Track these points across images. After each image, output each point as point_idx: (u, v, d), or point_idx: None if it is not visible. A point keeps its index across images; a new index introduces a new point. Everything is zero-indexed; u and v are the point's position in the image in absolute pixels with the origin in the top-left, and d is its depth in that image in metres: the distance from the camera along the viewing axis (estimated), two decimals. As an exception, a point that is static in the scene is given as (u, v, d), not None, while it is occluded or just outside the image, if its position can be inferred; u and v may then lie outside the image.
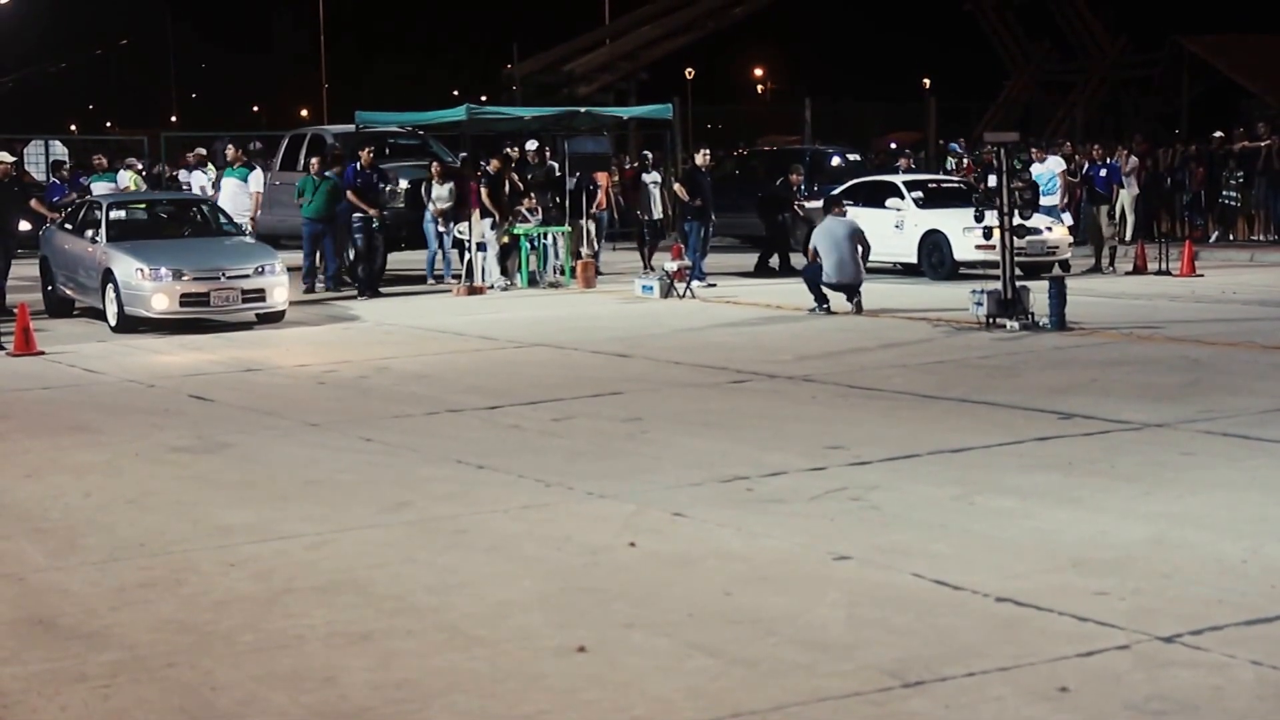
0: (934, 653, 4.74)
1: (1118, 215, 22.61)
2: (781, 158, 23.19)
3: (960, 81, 46.43)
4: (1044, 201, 19.41)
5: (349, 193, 17.52)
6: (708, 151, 19.69)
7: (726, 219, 24.36)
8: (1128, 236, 22.54)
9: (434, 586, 5.65)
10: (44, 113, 51.21)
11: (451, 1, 64.13)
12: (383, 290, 17.67)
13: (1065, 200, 20.12)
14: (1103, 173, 20.28)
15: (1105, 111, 38.42)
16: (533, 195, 18.61)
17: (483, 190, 17.89)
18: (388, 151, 18.91)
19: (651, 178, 19.88)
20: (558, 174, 19.62)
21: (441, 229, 18.90)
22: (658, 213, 19.64)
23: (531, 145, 19.64)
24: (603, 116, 20.94)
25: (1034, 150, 20.97)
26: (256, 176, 18.89)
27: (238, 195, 18.01)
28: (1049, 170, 20.07)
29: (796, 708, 4.33)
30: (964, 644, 4.82)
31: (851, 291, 14.51)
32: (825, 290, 14.59)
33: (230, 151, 19.51)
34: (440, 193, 18.64)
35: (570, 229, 19.08)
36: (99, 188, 19.22)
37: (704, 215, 18.45)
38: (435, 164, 19.06)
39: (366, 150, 17.89)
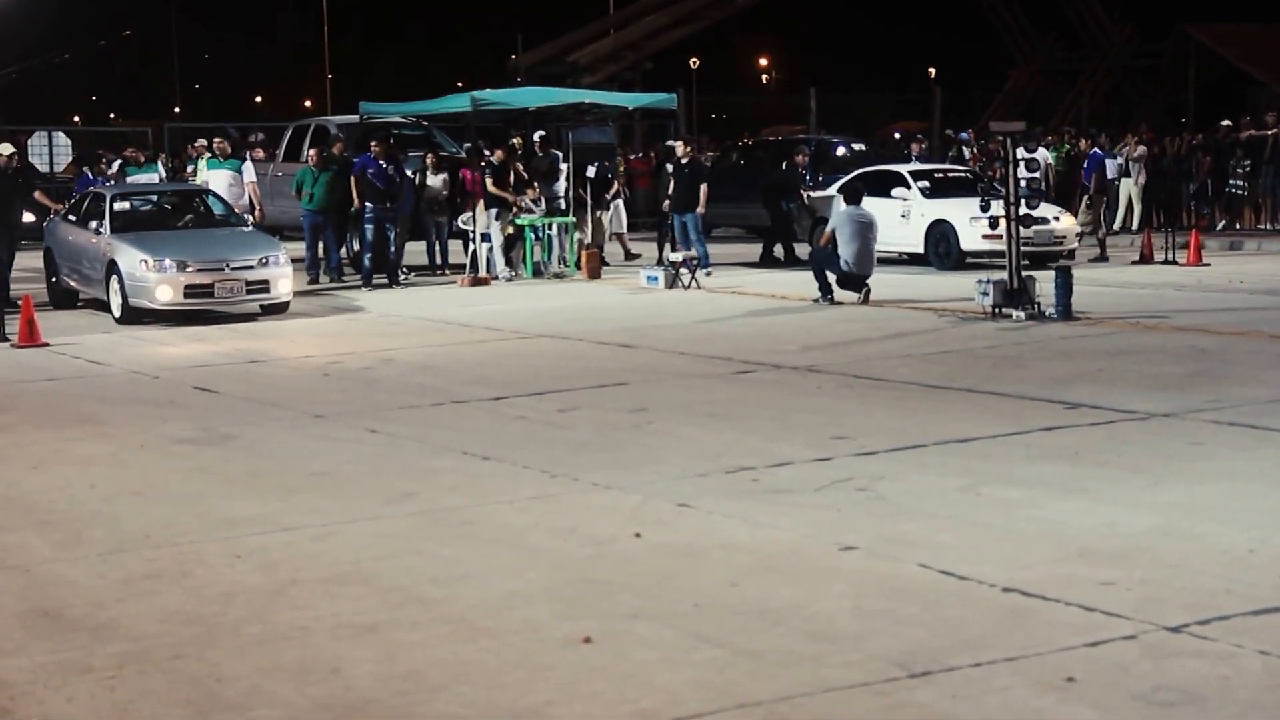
0: (941, 643, 4.73)
1: (1121, 204, 22.68)
2: (786, 148, 23.13)
3: (965, 72, 46.35)
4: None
5: (354, 180, 17.47)
6: (680, 143, 19.74)
7: (730, 209, 24.34)
8: (1134, 226, 22.52)
9: (439, 578, 5.64)
10: (47, 104, 51.22)
11: (455, -8, 64.07)
12: (399, 280, 17.62)
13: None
14: (1084, 163, 20.57)
15: (1112, 101, 38.34)
16: (536, 185, 18.58)
17: (488, 180, 17.85)
18: (391, 142, 18.86)
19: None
20: (561, 164, 19.60)
21: (439, 219, 18.86)
22: (671, 204, 19.66)
23: (536, 135, 19.62)
24: (607, 106, 20.90)
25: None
26: (249, 168, 18.76)
27: (230, 188, 17.85)
28: (1036, 157, 20.49)
29: (803, 698, 4.32)
30: (971, 634, 4.81)
31: (861, 283, 14.48)
32: (830, 279, 14.56)
33: (217, 143, 19.38)
34: (434, 183, 18.60)
35: (575, 219, 19.06)
36: (138, 180, 18.95)
37: (677, 206, 18.49)
38: (429, 154, 19.02)
39: (378, 142, 17.80)
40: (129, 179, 19.11)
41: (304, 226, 18.36)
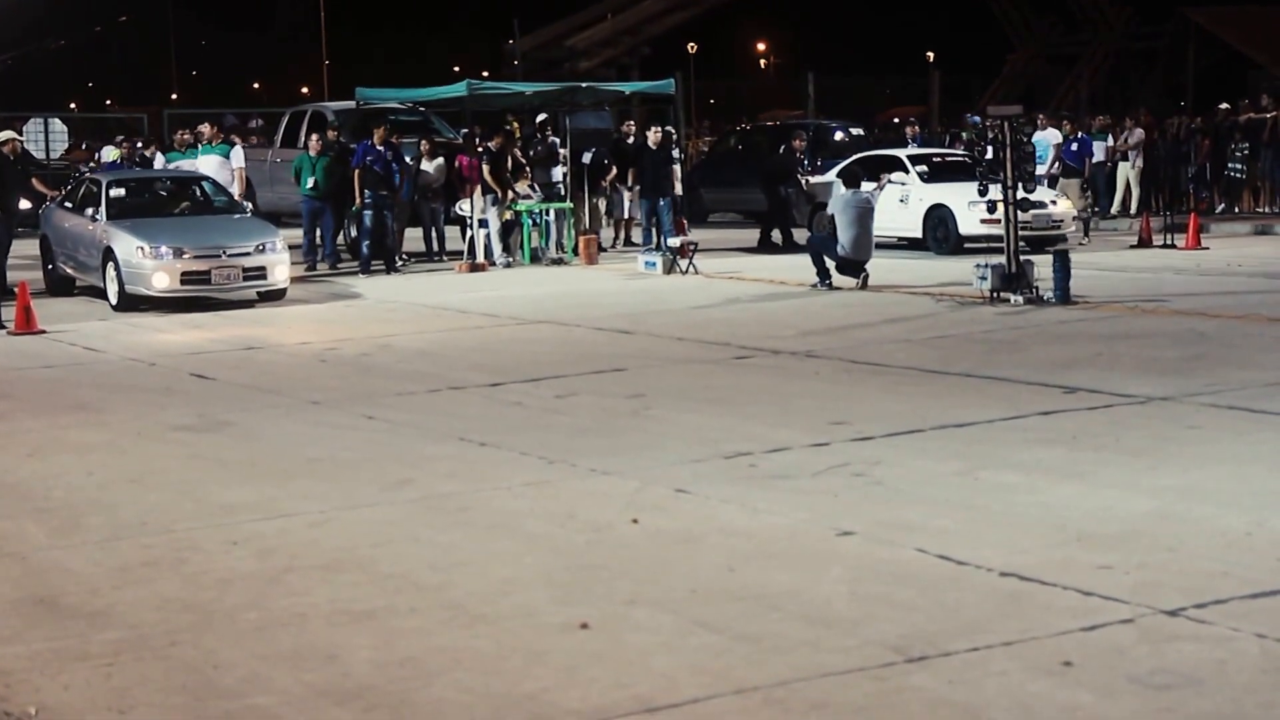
0: (938, 628, 4.73)
1: (1119, 188, 22.66)
2: (784, 133, 23.11)
3: (964, 56, 46.25)
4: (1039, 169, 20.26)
5: (356, 173, 17.39)
6: (652, 129, 19.89)
7: (728, 194, 24.31)
8: (1132, 210, 22.50)
9: (436, 564, 5.64)
10: (44, 90, 51.09)
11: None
12: (397, 267, 17.61)
13: (1052, 169, 20.53)
14: (1074, 146, 20.59)
15: (1111, 84, 38.29)
16: (529, 172, 18.53)
17: (484, 167, 17.81)
18: (386, 128, 18.80)
19: (674, 154, 19.98)
20: (559, 150, 19.56)
21: (434, 205, 18.80)
22: (678, 188, 19.71)
23: (541, 118, 19.58)
24: (604, 92, 20.85)
25: (1040, 118, 21.40)
26: (238, 153, 18.63)
27: (219, 173, 17.75)
28: (1045, 140, 20.54)
29: (800, 683, 4.32)
30: (968, 619, 4.81)
31: (860, 268, 14.46)
32: (828, 264, 14.54)
33: (207, 129, 19.24)
34: (430, 169, 18.55)
35: (573, 205, 19.04)
36: (182, 165, 18.68)
37: (649, 191, 18.82)
38: (425, 141, 18.97)
39: (380, 128, 17.70)
40: (172, 164, 18.90)
41: (303, 213, 18.26)
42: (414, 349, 11.43)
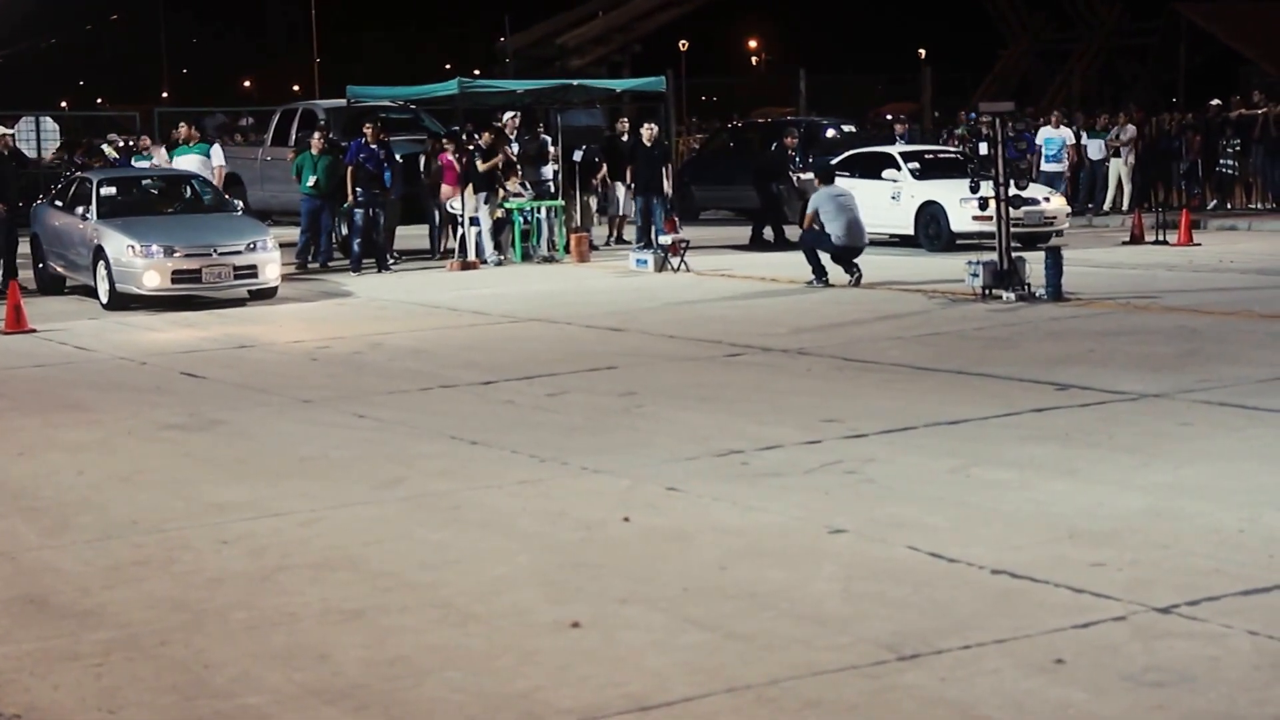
0: (930, 625, 4.72)
1: (1111, 184, 22.69)
2: (775, 130, 23.10)
3: (956, 53, 46.28)
4: (1052, 168, 21.24)
5: (350, 171, 17.34)
6: (625, 120, 19.88)
7: (720, 191, 24.32)
8: (1124, 206, 22.53)
9: (428, 563, 5.63)
10: (35, 89, 50.91)
11: (444, -26, 63.80)
12: (388, 265, 17.58)
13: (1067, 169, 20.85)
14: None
15: (1103, 80, 38.32)
16: (519, 170, 18.50)
17: (478, 164, 17.78)
18: (377, 126, 18.74)
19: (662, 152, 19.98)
20: (550, 148, 19.53)
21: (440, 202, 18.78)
22: (667, 186, 19.72)
23: (508, 115, 19.46)
24: (595, 89, 20.83)
25: (1054, 116, 21.94)
26: (218, 151, 18.50)
27: (199, 172, 17.63)
28: (1060, 137, 21.00)
29: (792, 681, 4.31)
30: (960, 616, 4.80)
31: (857, 254, 14.45)
32: (823, 260, 14.53)
33: (183, 129, 19.13)
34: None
35: (564, 203, 19.02)
36: (185, 162, 18.42)
37: (643, 188, 18.83)
38: (433, 142, 18.95)
39: (371, 126, 17.63)
40: (174, 160, 18.74)
41: (302, 211, 18.14)
42: (405, 347, 11.41)
